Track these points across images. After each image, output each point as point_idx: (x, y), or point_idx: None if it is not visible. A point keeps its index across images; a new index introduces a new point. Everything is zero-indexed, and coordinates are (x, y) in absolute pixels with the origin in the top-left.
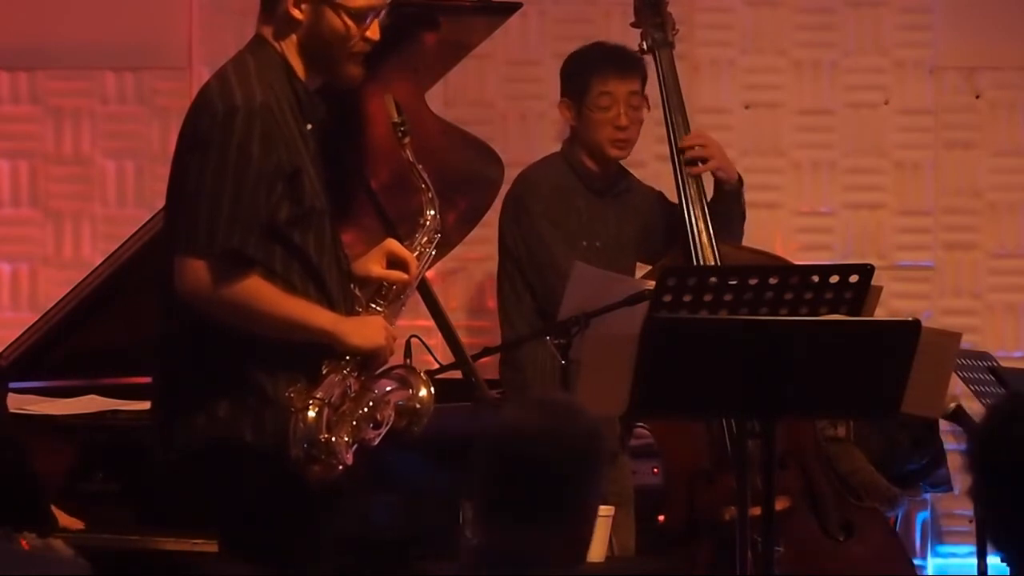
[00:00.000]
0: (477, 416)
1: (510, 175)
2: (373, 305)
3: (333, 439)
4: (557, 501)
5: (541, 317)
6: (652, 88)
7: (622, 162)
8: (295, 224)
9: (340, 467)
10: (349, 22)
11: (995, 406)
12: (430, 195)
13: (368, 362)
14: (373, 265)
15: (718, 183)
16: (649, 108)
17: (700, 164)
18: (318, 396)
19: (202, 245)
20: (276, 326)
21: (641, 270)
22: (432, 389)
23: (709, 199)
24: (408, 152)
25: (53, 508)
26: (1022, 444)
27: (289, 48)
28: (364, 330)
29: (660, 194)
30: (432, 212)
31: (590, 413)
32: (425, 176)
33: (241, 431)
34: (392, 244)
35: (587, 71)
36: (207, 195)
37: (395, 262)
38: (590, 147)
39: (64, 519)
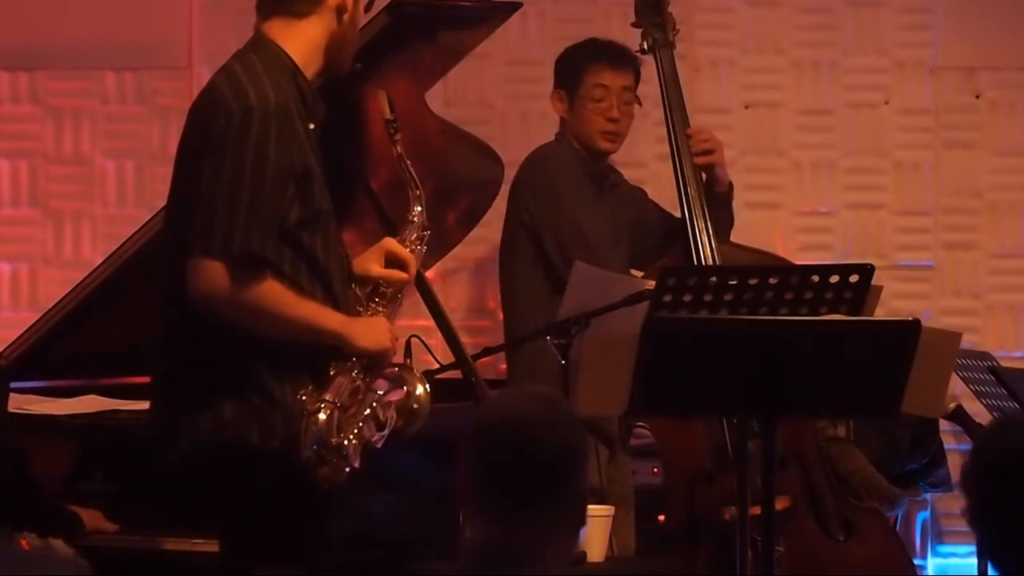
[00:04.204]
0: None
1: (510, 175)
2: (372, 304)
3: (344, 442)
4: (549, 492)
5: (553, 304)
6: (652, 88)
7: (620, 160)
8: (304, 226)
9: (347, 469)
10: (361, 7)
11: (991, 425)
12: (418, 192)
13: (374, 364)
14: (372, 264)
15: (709, 184)
16: (641, 104)
17: (704, 155)
18: (328, 399)
19: (219, 247)
20: (289, 328)
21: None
22: (428, 388)
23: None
24: (398, 149)
25: (77, 509)
26: (1017, 454)
27: (299, 46)
28: (371, 332)
29: (643, 191)
30: (419, 208)
31: (570, 404)
32: (413, 173)
33: (248, 434)
34: (390, 243)
35: (582, 63)
36: (224, 197)
37: (393, 261)
38: (581, 140)
39: (92, 519)
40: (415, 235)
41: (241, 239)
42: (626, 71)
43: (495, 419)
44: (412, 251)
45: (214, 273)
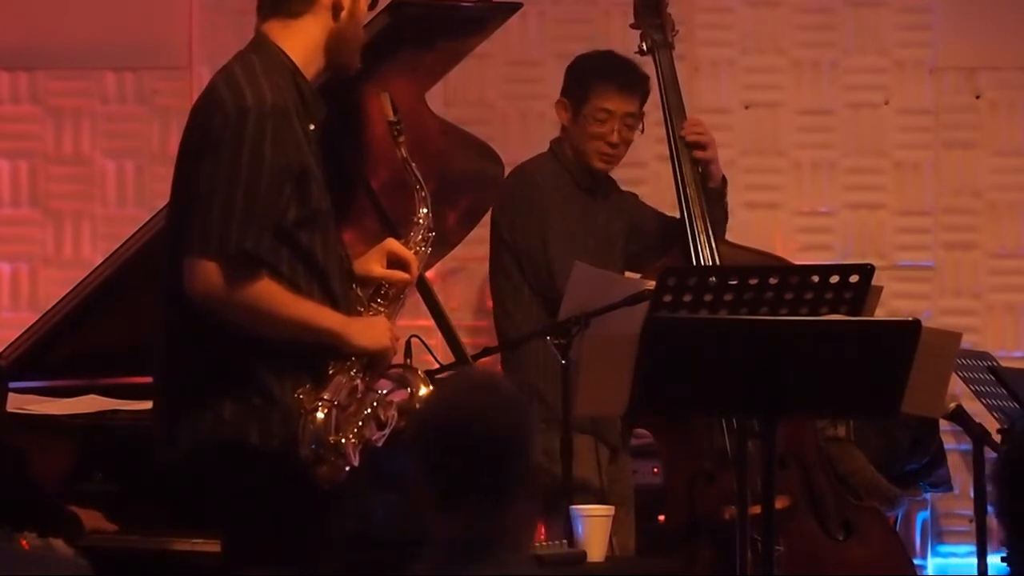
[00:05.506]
0: None
1: None
2: (374, 305)
3: (342, 440)
4: (497, 476)
5: (541, 308)
6: (652, 89)
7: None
8: (302, 225)
9: (347, 468)
10: (364, 4)
11: (1019, 423)
12: (423, 193)
13: (374, 363)
14: (374, 265)
15: (702, 179)
16: (643, 131)
17: (699, 150)
18: (326, 397)
19: (215, 246)
20: (287, 327)
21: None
22: (432, 389)
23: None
24: (402, 150)
25: (77, 509)
26: None
27: (298, 46)
28: (370, 331)
29: (635, 195)
30: (425, 210)
31: (511, 386)
32: (418, 174)
33: (247, 433)
34: (392, 243)
35: (591, 81)
36: (220, 196)
37: (395, 262)
38: (576, 152)
39: (91, 520)
40: (420, 236)
41: (237, 238)
42: (633, 97)
43: (431, 415)
44: (416, 252)
45: (210, 273)
